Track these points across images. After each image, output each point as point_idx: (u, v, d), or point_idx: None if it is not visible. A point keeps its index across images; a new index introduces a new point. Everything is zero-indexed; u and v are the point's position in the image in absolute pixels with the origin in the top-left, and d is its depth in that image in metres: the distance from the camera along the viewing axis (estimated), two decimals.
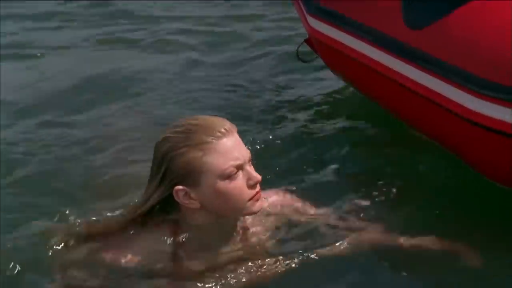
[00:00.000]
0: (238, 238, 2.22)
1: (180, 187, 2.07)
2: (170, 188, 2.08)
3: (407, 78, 2.88)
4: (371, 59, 3.07)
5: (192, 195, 2.07)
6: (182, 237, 2.14)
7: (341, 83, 3.87)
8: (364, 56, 3.11)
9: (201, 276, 2.14)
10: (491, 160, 2.69)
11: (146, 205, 2.11)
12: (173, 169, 2.06)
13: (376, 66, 3.04)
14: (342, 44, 3.24)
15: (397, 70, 2.93)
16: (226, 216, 2.15)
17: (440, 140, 2.96)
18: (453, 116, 2.69)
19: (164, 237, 2.14)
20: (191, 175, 2.05)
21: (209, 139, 2.04)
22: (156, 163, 2.10)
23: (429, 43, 2.79)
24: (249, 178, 2.07)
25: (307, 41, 3.69)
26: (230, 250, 2.20)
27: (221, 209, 2.10)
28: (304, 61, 3.78)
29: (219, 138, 2.05)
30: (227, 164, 2.04)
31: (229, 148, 2.06)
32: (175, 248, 2.14)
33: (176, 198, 2.08)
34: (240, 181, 2.07)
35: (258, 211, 2.14)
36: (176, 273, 2.14)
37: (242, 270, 2.18)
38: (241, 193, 2.07)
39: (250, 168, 2.09)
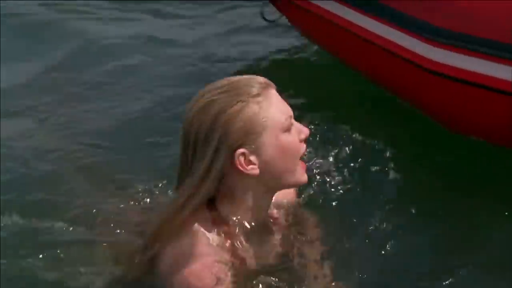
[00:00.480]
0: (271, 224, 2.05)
1: (241, 150, 1.84)
2: (230, 156, 1.84)
3: (389, 41, 2.89)
4: (338, 17, 3.10)
5: (252, 158, 1.85)
6: (231, 226, 1.93)
7: (305, 42, 3.91)
8: (330, 13, 3.14)
9: (256, 264, 1.97)
10: (488, 119, 2.70)
11: (206, 184, 1.86)
12: (230, 131, 1.83)
13: (347, 25, 3.06)
14: (305, 1, 3.28)
15: (373, 31, 2.95)
16: (279, 183, 1.94)
17: (423, 102, 2.94)
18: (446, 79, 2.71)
19: (215, 231, 1.90)
20: (252, 134, 1.84)
21: (260, 90, 1.85)
22: (204, 132, 1.84)
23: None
24: (299, 131, 1.91)
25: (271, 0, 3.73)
26: (270, 234, 2.03)
27: (279, 172, 1.90)
28: (268, 21, 3.79)
29: (267, 89, 1.88)
30: (285, 114, 1.88)
31: (280, 99, 1.89)
32: (228, 240, 1.92)
33: (238, 165, 1.85)
34: (295, 135, 1.90)
35: (305, 182, 1.99)
36: (236, 266, 1.92)
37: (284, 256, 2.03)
38: (297, 148, 1.91)
39: (296, 122, 1.93)
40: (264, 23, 3.85)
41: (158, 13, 4.78)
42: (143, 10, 4.83)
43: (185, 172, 1.90)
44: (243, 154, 1.84)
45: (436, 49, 2.68)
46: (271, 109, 1.86)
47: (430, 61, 2.71)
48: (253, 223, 1.94)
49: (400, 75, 2.90)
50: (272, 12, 3.79)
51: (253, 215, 1.94)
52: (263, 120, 1.84)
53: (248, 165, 1.86)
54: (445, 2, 2.70)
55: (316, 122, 2.88)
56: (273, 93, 1.88)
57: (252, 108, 1.84)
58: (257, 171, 1.87)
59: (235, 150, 1.84)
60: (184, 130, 1.89)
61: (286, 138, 1.87)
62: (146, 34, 4.39)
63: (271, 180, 1.91)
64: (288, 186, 2.02)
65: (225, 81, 1.89)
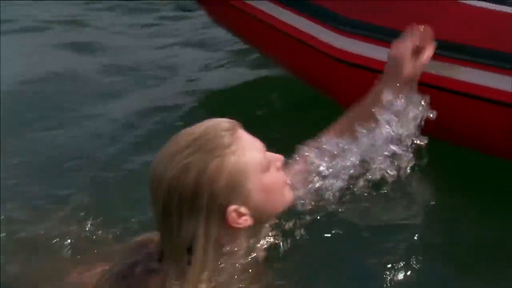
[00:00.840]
0: None
1: (232, 207, 1.79)
2: (222, 217, 1.78)
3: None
4: (260, 11, 3.03)
5: (242, 209, 1.80)
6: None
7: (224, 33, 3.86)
8: (251, 7, 3.09)
9: None
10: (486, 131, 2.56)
11: (210, 250, 1.79)
12: (216, 191, 1.76)
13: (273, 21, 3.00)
14: None
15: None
16: (271, 216, 1.92)
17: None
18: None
19: None
20: (237, 187, 1.78)
21: (230, 138, 1.79)
22: (188, 200, 1.76)
23: None
24: (274, 162, 1.87)
25: None
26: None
27: (269, 209, 1.88)
28: (185, 11, 3.79)
29: (235, 132, 1.81)
30: (261, 154, 1.83)
31: (249, 137, 1.84)
32: None
33: (231, 223, 1.79)
34: (273, 170, 1.87)
35: (292, 200, 1.96)
36: None
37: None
38: (280, 180, 1.88)
39: (268, 153, 1.88)
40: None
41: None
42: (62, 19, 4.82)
43: (170, 241, 1.80)
44: (234, 210, 1.79)
45: (347, 39, 2.66)
46: (246, 153, 1.80)
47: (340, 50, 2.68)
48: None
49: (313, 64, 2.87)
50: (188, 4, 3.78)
51: (246, 259, 1.88)
52: (244, 167, 1.79)
53: (240, 218, 1.80)
54: None
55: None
56: (242, 134, 1.83)
57: (230, 160, 1.77)
58: (250, 221, 1.82)
59: (225, 209, 1.78)
60: (159, 197, 1.79)
61: (268, 178, 1.83)
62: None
63: (263, 218, 1.88)
64: (278, 213, 1.95)
65: (190, 134, 1.81)
